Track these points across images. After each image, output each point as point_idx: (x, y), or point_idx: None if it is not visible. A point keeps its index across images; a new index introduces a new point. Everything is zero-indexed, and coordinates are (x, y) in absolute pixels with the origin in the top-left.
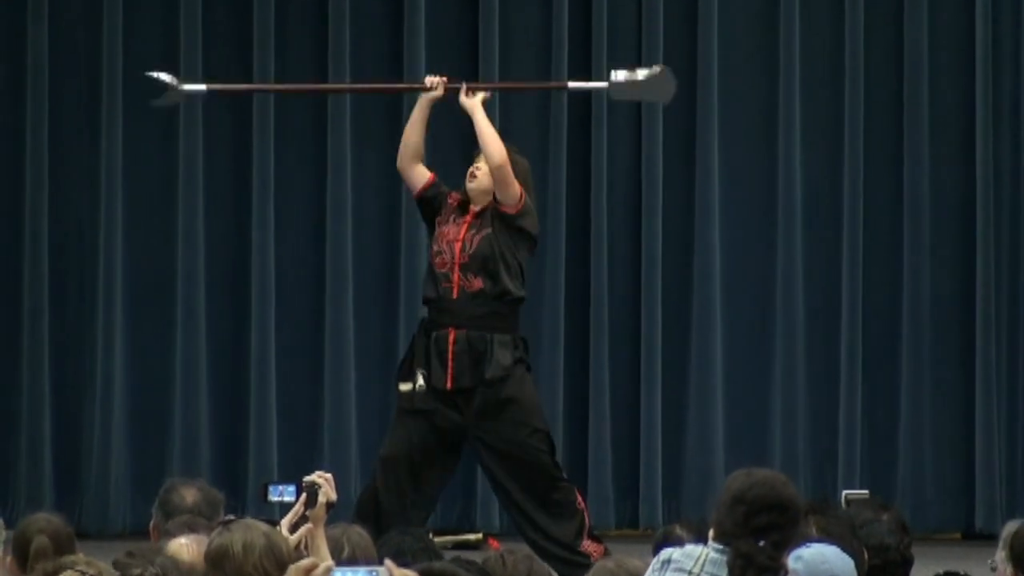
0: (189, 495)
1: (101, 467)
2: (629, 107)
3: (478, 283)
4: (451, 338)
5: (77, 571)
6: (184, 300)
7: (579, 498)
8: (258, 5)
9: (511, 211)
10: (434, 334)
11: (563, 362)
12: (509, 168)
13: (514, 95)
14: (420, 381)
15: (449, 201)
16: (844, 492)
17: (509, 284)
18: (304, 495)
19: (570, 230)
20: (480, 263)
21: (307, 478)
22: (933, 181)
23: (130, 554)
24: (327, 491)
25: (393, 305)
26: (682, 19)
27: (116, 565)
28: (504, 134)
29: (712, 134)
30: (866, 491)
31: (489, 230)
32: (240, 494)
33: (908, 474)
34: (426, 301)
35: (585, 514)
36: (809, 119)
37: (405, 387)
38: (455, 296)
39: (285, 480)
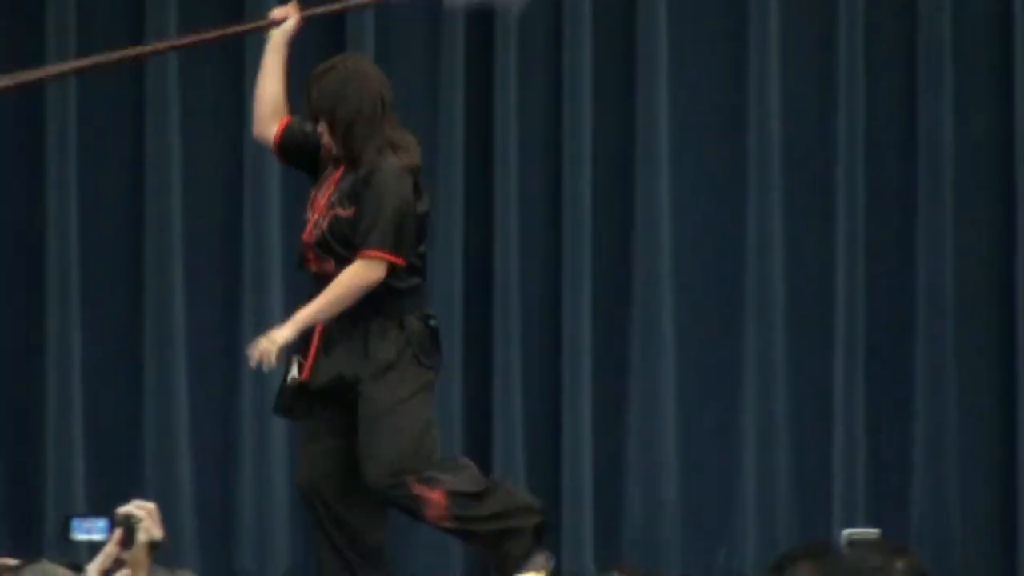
0: None
1: None
2: (545, 21)
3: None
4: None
5: None
6: None
7: None
8: None
9: None
10: None
11: (461, 359)
12: None
13: (394, 12)
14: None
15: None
16: (845, 532)
17: None
18: (119, 532)
19: (468, 183)
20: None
21: (121, 509)
22: (958, 119)
23: None
24: (148, 527)
25: (235, 282)
26: None
27: None
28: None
29: (659, 50)
30: (875, 530)
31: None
32: (35, 530)
33: (927, 505)
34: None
35: None
36: (791, 32)
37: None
38: None
39: (94, 512)
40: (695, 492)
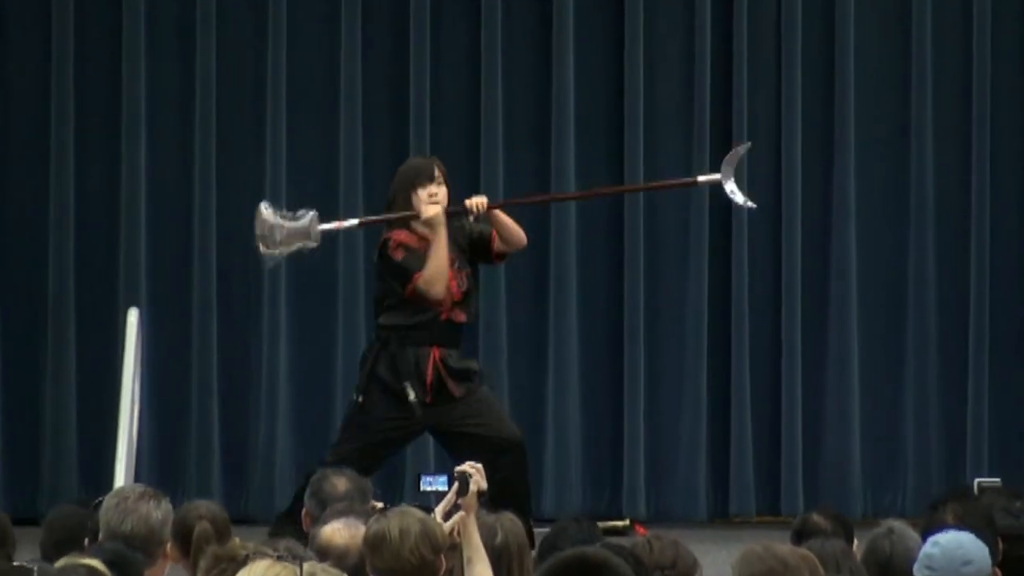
0: (341, 484)
1: (267, 456)
2: (769, 121)
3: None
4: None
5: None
6: (344, 293)
7: None
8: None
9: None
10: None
11: (707, 354)
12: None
13: (659, 116)
14: (412, 396)
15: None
16: (976, 480)
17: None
18: (456, 484)
19: (712, 227)
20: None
21: (458, 468)
22: None
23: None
24: (478, 480)
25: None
26: (818, 23)
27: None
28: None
29: (848, 137)
30: (998, 479)
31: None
32: (396, 484)
33: None
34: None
35: None
36: (941, 123)
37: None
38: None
39: (438, 471)
40: (871, 452)
